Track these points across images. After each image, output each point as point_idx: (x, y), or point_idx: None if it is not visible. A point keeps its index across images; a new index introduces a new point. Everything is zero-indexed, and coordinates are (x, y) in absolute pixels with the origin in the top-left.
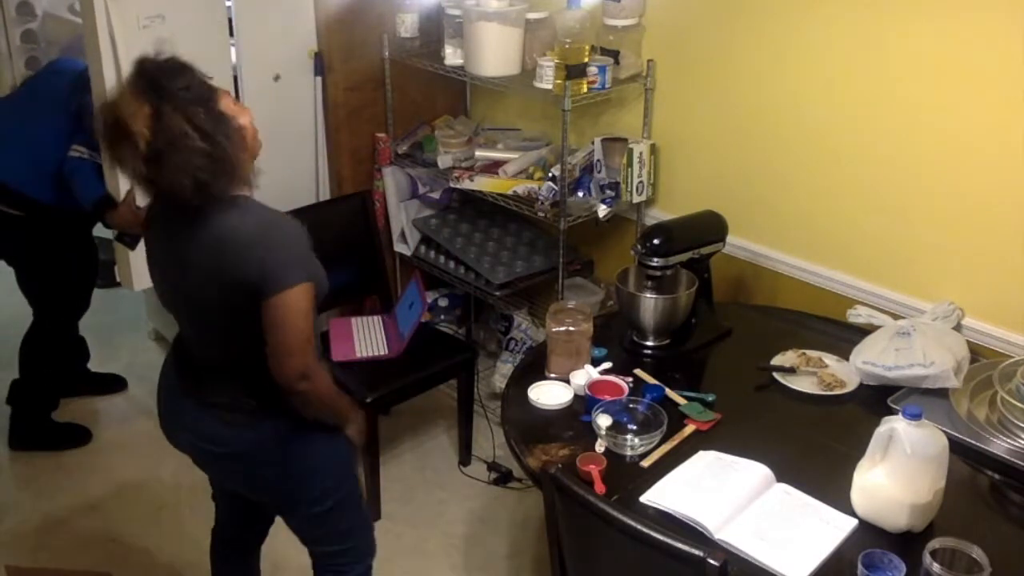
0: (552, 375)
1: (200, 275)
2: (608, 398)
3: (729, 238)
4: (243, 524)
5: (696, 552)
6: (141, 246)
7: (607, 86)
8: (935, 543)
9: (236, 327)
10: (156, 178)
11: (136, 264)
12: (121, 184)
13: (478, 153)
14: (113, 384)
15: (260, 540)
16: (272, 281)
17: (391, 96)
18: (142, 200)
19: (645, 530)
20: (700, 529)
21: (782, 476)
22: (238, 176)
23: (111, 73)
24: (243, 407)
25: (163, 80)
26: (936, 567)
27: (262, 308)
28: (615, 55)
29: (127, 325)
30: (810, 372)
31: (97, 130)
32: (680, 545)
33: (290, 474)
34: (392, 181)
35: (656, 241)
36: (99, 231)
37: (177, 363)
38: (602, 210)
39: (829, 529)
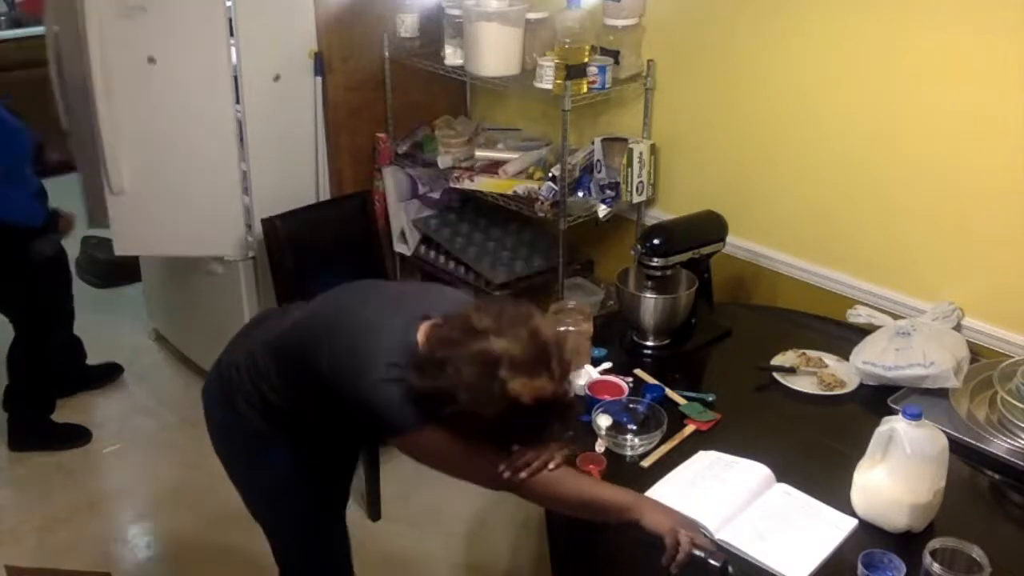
0: None
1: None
2: (608, 398)
3: (729, 238)
4: None
5: (699, 554)
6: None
7: (607, 86)
8: (935, 543)
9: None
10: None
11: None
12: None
13: (478, 153)
14: (111, 373)
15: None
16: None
17: (391, 96)
18: None
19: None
20: (700, 529)
21: (782, 476)
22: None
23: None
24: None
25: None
26: (936, 567)
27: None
28: (615, 55)
29: (127, 325)
30: (810, 372)
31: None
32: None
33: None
34: (392, 181)
35: (656, 241)
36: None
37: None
38: (602, 210)
39: (829, 529)
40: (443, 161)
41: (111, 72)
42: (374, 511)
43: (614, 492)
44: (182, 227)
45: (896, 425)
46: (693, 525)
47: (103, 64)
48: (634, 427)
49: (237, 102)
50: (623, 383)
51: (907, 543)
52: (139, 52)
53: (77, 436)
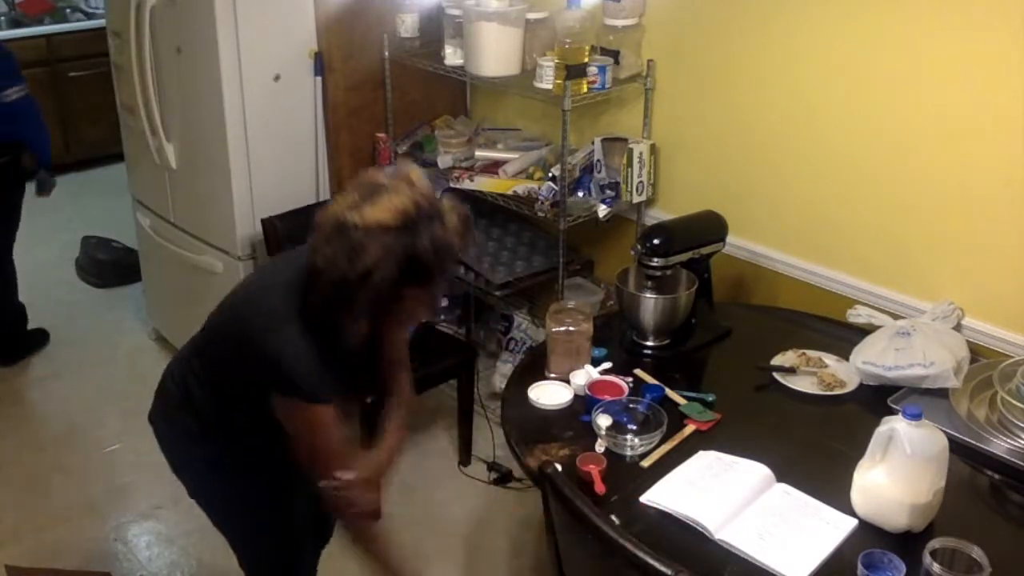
0: (552, 375)
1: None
2: (608, 398)
3: (729, 238)
4: None
5: (665, 571)
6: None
7: (607, 86)
8: (935, 543)
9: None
10: (316, 240)
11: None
12: None
13: (478, 153)
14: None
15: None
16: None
17: (391, 96)
18: None
19: (619, 540)
20: (700, 529)
21: (782, 476)
22: (340, 314)
23: None
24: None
25: (427, 225)
26: (936, 567)
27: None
28: (615, 55)
29: (127, 325)
30: (810, 372)
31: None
32: (650, 560)
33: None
34: None
35: (656, 241)
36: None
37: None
38: (602, 210)
39: (829, 529)
40: (443, 161)
41: (155, 57)
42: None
43: None
44: (201, 212)
45: (896, 425)
46: None
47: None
48: (634, 427)
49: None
50: (623, 383)
51: (907, 543)
52: (171, 42)
53: (40, 339)
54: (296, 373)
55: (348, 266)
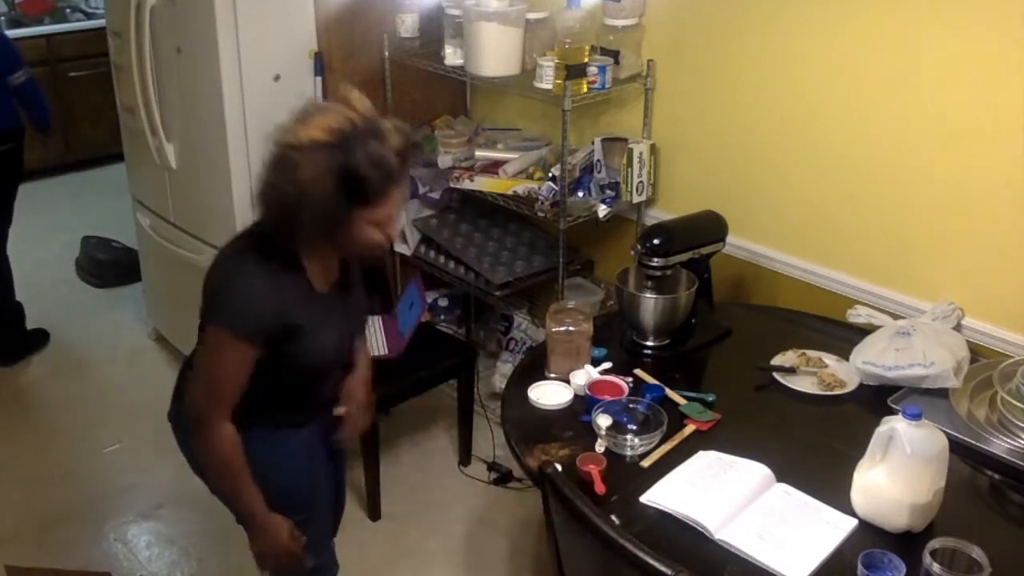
0: (552, 375)
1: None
2: (608, 398)
3: (729, 238)
4: None
5: (665, 571)
6: None
7: (607, 86)
8: (935, 543)
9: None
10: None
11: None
12: None
13: (478, 153)
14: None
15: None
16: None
17: (391, 96)
18: None
19: (619, 540)
20: (700, 529)
21: (782, 476)
22: (291, 236)
23: None
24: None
25: (362, 141)
26: (936, 567)
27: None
28: (615, 55)
29: (127, 325)
30: (810, 372)
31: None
32: (650, 560)
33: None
34: None
35: (656, 241)
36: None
37: None
38: (602, 210)
39: (829, 529)
40: (443, 161)
41: (155, 57)
42: (374, 511)
43: (253, 498)
44: (201, 212)
45: (896, 425)
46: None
47: (145, 50)
48: (634, 427)
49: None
50: (623, 383)
51: (907, 543)
52: (171, 42)
53: (41, 338)
54: (227, 291)
55: (287, 185)
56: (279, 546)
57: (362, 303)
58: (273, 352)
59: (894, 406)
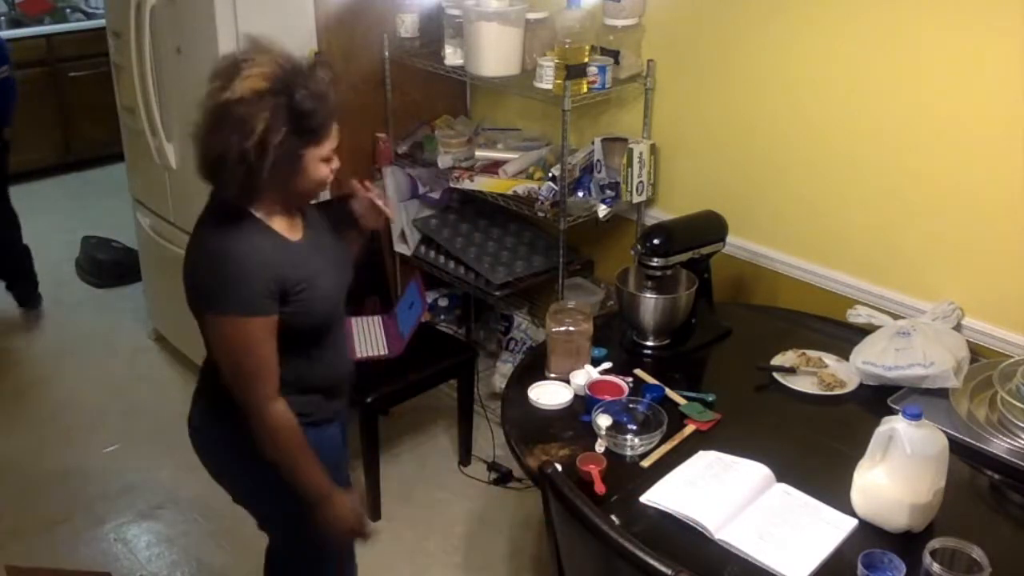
0: (552, 375)
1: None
2: (608, 398)
3: (729, 238)
4: None
5: (665, 571)
6: None
7: (607, 86)
8: (935, 543)
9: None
10: (203, 136)
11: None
12: None
13: (478, 153)
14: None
15: None
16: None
17: (391, 96)
18: None
19: (619, 540)
20: (700, 529)
21: (782, 476)
22: (256, 193)
23: None
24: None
25: (297, 80)
26: (936, 567)
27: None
28: (615, 55)
29: (127, 325)
30: (810, 372)
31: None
32: (650, 560)
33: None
34: (392, 181)
35: (656, 241)
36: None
37: None
38: (602, 210)
39: (829, 529)
40: (443, 161)
41: (155, 57)
42: (374, 511)
43: (319, 472)
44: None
45: (896, 425)
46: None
47: (145, 50)
48: (634, 427)
49: None
50: (623, 383)
51: (907, 543)
52: (171, 42)
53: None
54: (220, 279)
55: (243, 139)
56: (346, 518)
57: (333, 238)
58: (285, 316)
59: (894, 406)
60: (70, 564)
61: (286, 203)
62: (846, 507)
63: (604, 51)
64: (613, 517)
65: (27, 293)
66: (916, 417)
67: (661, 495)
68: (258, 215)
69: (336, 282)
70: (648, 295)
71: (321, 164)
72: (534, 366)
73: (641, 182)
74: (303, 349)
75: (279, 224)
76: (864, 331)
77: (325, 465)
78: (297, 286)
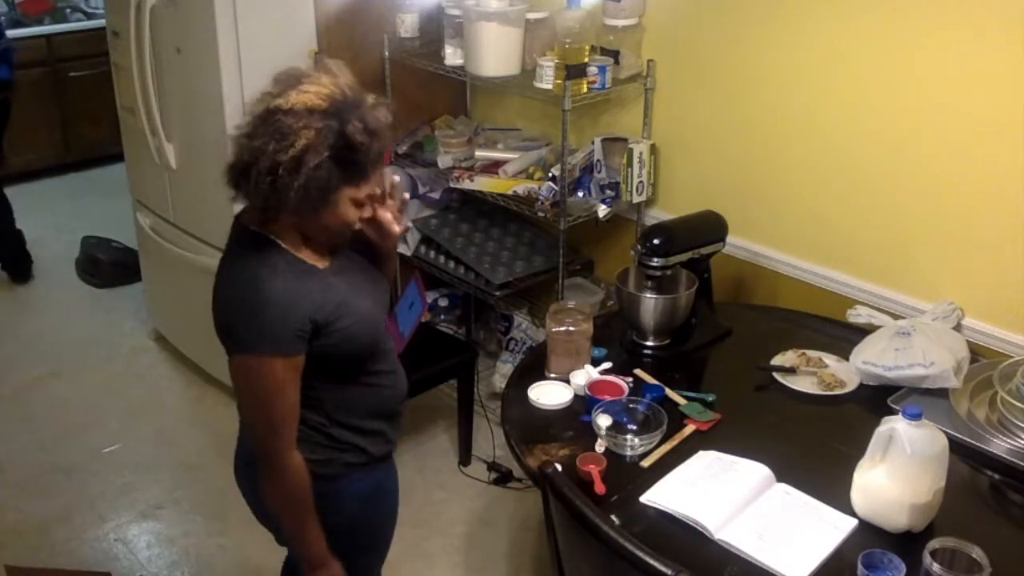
0: (552, 375)
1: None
2: (608, 398)
3: (729, 238)
4: None
5: (665, 571)
6: None
7: (607, 86)
8: (935, 543)
9: None
10: (240, 138)
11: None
12: None
13: (478, 153)
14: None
15: None
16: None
17: (391, 96)
18: None
19: (619, 540)
20: (700, 529)
21: (782, 476)
22: (275, 213)
23: None
24: None
25: (355, 111)
26: (936, 567)
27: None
28: (615, 55)
29: (127, 325)
30: (810, 372)
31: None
32: (650, 560)
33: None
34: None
35: (656, 241)
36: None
37: None
38: (602, 210)
39: (829, 529)
40: (443, 161)
41: (155, 57)
42: None
43: (319, 538)
44: (201, 212)
45: (896, 425)
46: None
47: (145, 50)
48: (634, 427)
49: None
50: (623, 383)
51: (907, 543)
52: (171, 42)
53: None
54: (243, 318)
55: (279, 150)
56: None
57: (360, 259)
58: (324, 348)
59: (894, 406)
60: (70, 564)
61: (304, 233)
62: (846, 507)
63: (604, 51)
64: (613, 517)
65: (20, 269)
66: (916, 417)
67: (661, 495)
68: (284, 245)
69: (373, 302)
70: (648, 295)
71: (352, 206)
72: (534, 366)
73: (641, 182)
74: (356, 376)
75: (302, 251)
76: (864, 331)
77: (382, 512)
78: (333, 314)
